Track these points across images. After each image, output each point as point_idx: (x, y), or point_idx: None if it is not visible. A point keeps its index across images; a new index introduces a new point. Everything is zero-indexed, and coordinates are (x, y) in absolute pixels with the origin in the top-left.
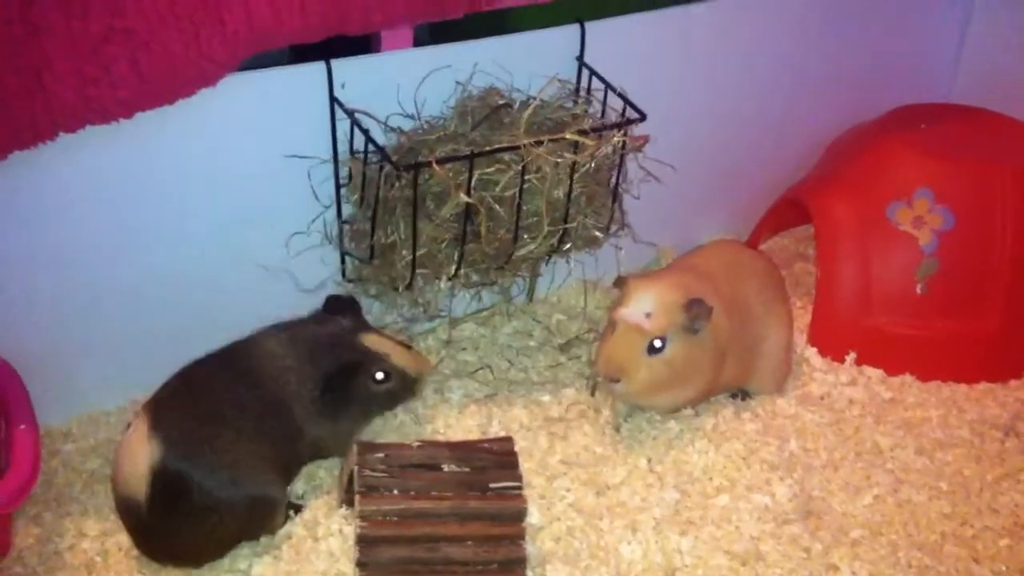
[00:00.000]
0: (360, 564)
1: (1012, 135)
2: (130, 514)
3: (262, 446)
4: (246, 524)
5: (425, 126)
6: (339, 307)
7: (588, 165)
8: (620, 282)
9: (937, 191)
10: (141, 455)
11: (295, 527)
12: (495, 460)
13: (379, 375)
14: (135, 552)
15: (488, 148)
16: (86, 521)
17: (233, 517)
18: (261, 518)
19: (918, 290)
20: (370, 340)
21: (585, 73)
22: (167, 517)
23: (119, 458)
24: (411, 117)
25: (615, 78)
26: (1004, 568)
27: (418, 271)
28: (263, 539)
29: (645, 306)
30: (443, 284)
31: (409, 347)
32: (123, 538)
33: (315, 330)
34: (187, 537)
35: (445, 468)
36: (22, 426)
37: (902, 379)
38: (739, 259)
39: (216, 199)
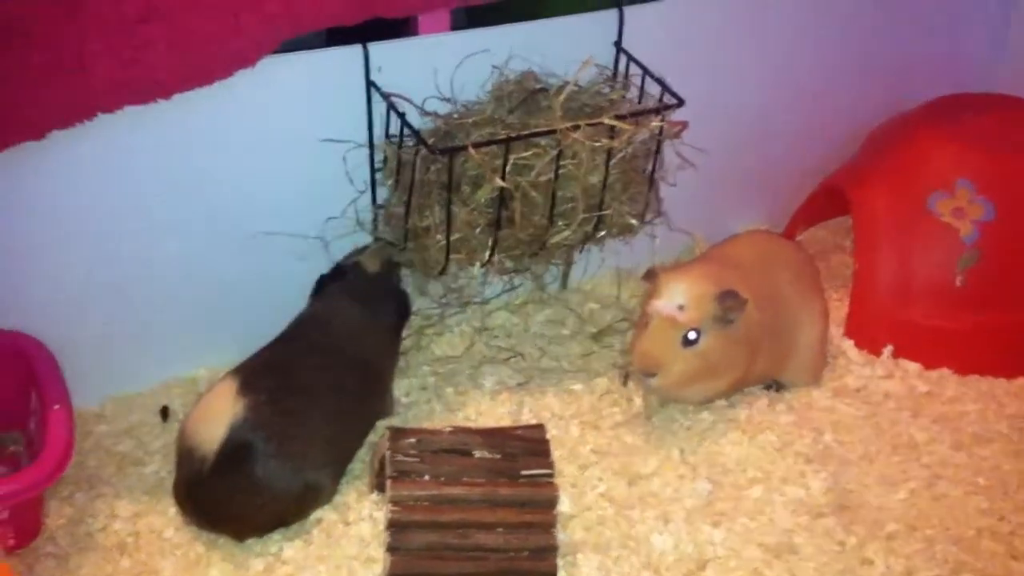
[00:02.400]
0: (391, 549)
1: None
2: (190, 466)
3: (336, 432)
4: (296, 509)
5: (461, 110)
6: (338, 276)
7: (624, 151)
8: (651, 275)
9: (978, 182)
10: (224, 413)
11: (326, 512)
12: (526, 447)
13: None
14: (167, 534)
15: (524, 132)
16: (118, 502)
17: (289, 498)
18: (310, 505)
19: (957, 282)
20: None
21: (623, 59)
22: (227, 480)
23: (198, 410)
24: (447, 101)
25: (652, 63)
26: None
27: (452, 256)
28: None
29: (678, 298)
30: (477, 270)
31: None
32: (155, 520)
33: (360, 281)
34: (237, 506)
35: (476, 454)
36: (56, 407)
37: (939, 373)
38: (772, 250)
39: (250, 183)
